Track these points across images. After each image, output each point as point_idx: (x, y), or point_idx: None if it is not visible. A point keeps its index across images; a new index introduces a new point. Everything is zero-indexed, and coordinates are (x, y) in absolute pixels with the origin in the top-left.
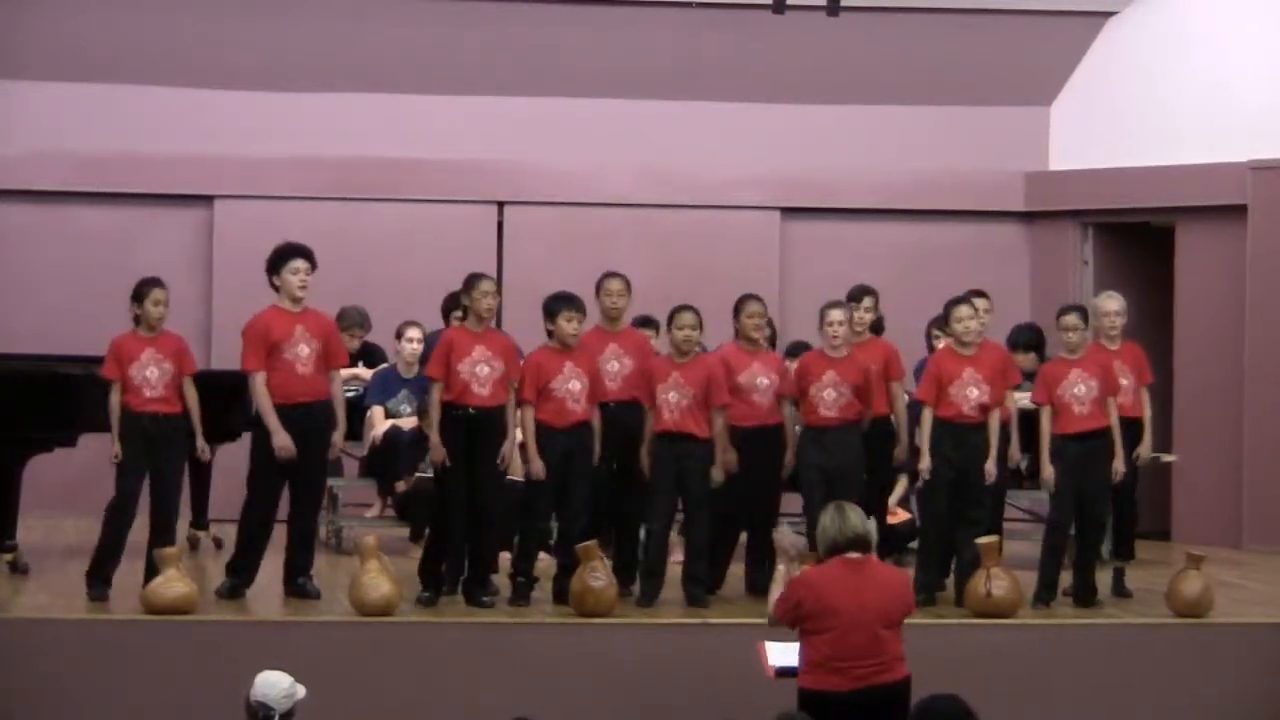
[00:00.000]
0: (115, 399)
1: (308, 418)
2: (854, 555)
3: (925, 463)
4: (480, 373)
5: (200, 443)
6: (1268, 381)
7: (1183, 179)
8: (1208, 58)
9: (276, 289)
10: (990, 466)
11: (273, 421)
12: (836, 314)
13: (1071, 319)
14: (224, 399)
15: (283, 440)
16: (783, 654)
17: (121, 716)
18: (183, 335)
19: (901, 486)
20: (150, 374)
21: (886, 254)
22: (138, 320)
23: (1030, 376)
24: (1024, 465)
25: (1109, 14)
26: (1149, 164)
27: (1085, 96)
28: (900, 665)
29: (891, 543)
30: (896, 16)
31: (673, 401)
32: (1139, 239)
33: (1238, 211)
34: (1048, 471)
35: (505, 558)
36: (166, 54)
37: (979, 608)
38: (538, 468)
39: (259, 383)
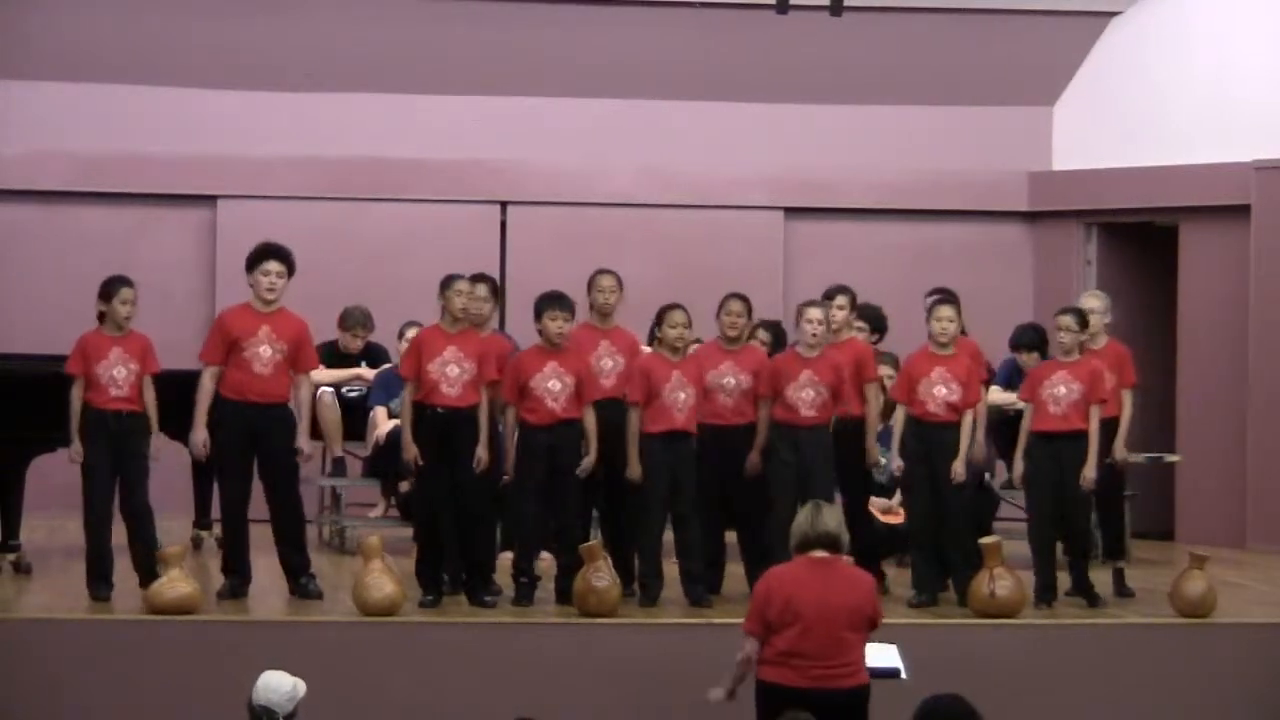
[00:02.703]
0: (77, 395)
1: (260, 418)
2: (820, 554)
3: (896, 463)
4: (450, 373)
5: (154, 444)
6: (1271, 381)
7: (1186, 179)
8: (1211, 57)
9: (253, 287)
10: (958, 466)
11: (200, 415)
12: (815, 313)
13: (1065, 320)
14: None
15: (200, 436)
16: None
17: (124, 717)
18: (148, 336)
19: None
20: (117, 373)
21: (890, 254)
22: (102, 318)
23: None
24: (982, 461)
25: (1112, 14)
26: (1152, 164)
27: (1088, 96)
28: (859, 672)
29: (893, 543)
30: (899, 17)
31: (681, 401)
32: (1142, 239)
33: (1241, 211)
34: (1018, 467)
35: (507, 558)
36: (166, 54)
37: (983, 608)
38: (510, 464)
39: (205, 375)
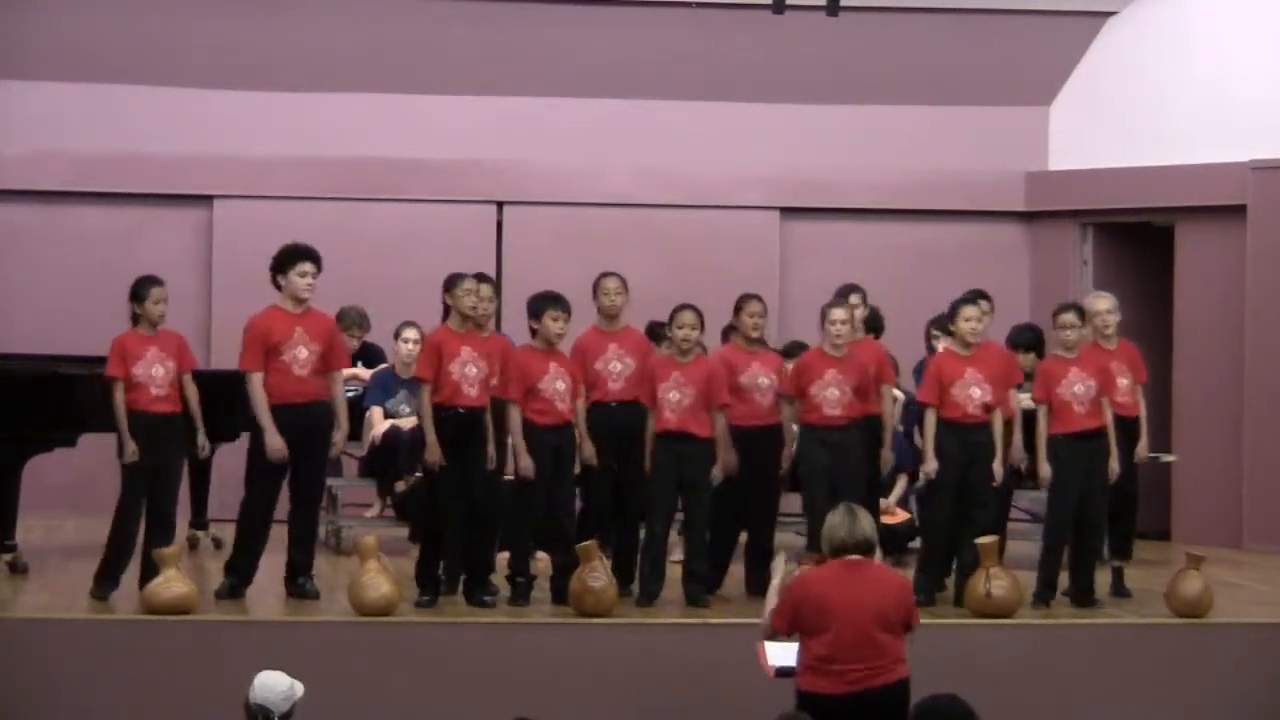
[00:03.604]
0: (120, 398)
1: (303, 419)
2: (855, 557)
3: (930, 465)
4: (469, 373)
5: (201, 439)
6: (1267, 381)
7: (1183, 179)
8: (1208, 57)
9: (279, 288)
10: (997, 466)
11: (267, 421)
12: (839, 313)
13: (1068, 317)
14: (223, 399)
15: (275, 441)
16: (782, 654)
17: (121, 717)
18: (183, 333)
19: (901, 486)
20: (155, 372)
21: (886, 254)
22: (137, 319)
23: (1030, 376)
24: (1024, 465)
25: (1109, 14)
26: (1149, 164)
27: (1085, 96)
28: (898, 667)
29: (890, 543)
30: (896, 16)
31: (674, 401)
32: (1139, 239)
33: (1237, 211)
34: (1045, 469)
35: (504, 558)
36: (166, 54)
37: (979, 608)
38: (527, 465)
39: (255, 383)
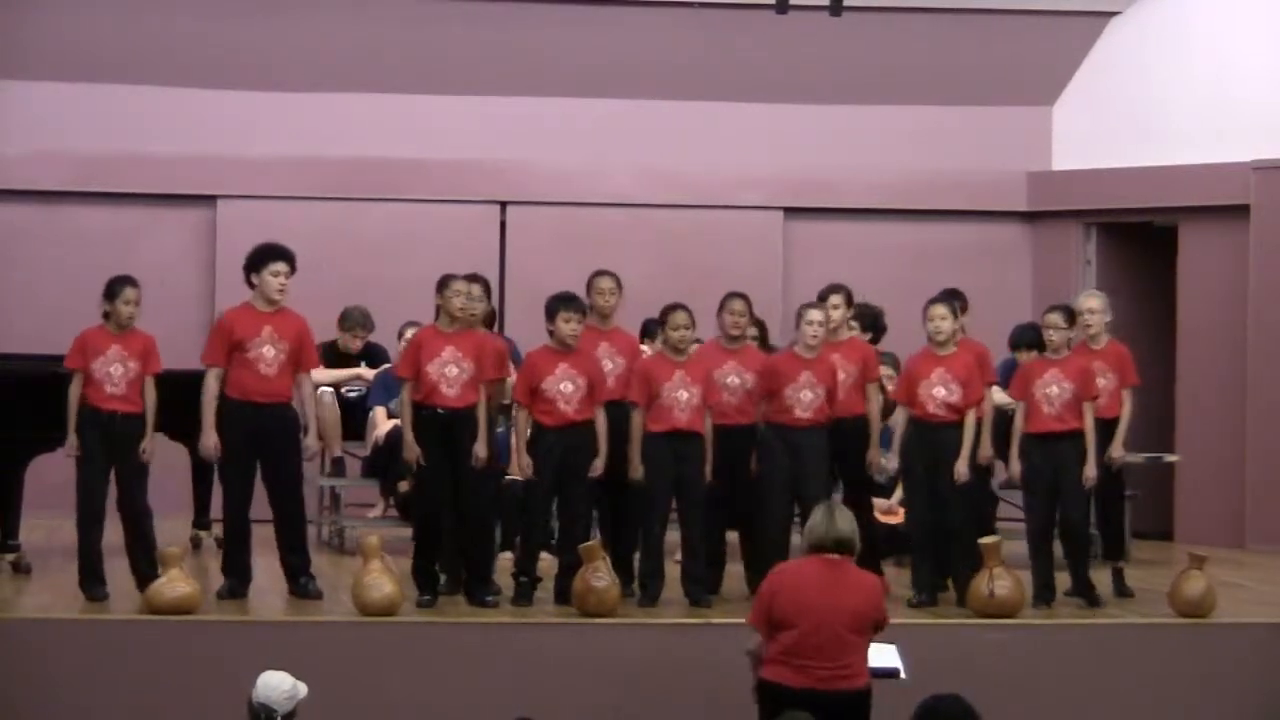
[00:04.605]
0: (75, 390)
1: (266, 418)
2: (832, 556)
3: (893, 463)
4: (449, 373)
5: (146, 444)
6: (1270, 381)
7: (1185, 179)
8: (1210, 57)
9: (253, 287)
10: (960, 466)
11: (206, 419)
12: (815, 314)
13: (1053, 318)
14: None
15: (209, 440)
16: None
17: (123, 717)
18: (153, 336)
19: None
20: (113, 370)
21: (889, 254)
22: (107, 316)
23: None
24: (993, 465)
25: (1112, 14)
26: (1151, 164)
27: (1088, 96)
28: (861, 675)
29: (893, 543)
30: (899, 16)
31: (683, 400)
32: (1141, 239)
33: (1240, 211)
34: (1015, 467)
35: (507, 558)
36: (166, 54)
37: (982, 608)
38: (525, 464)
39: (209, 377)
